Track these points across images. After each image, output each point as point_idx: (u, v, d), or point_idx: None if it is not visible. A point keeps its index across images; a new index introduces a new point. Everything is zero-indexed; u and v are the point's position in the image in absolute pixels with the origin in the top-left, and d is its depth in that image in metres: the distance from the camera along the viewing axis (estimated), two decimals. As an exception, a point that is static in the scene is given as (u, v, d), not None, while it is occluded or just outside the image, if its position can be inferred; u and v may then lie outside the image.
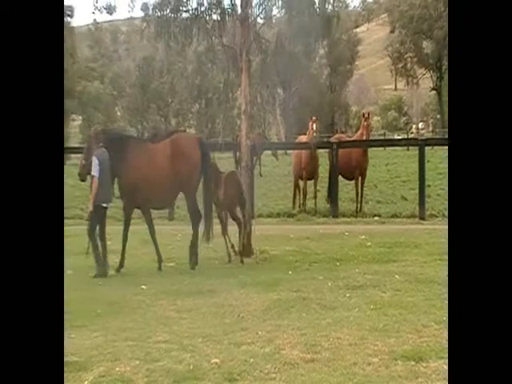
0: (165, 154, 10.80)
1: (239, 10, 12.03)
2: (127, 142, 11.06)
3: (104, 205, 10.45)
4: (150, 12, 12.82)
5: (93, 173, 10.28)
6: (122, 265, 10.69)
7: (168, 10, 12.10)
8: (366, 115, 18.51)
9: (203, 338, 6.52)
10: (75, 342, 6.47)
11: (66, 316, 7.42)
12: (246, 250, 11.69)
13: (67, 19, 74.48)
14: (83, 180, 11.01)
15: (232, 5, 12.10)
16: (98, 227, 10.46)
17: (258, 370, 5.57)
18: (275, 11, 12.90)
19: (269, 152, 28.58)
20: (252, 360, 5.80)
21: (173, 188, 10.87)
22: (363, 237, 13.36)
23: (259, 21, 12.95)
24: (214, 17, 12.32)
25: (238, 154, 17.71)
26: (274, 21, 13.60)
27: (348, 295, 8.33)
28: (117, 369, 5.64)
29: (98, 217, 10.39)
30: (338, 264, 10.66)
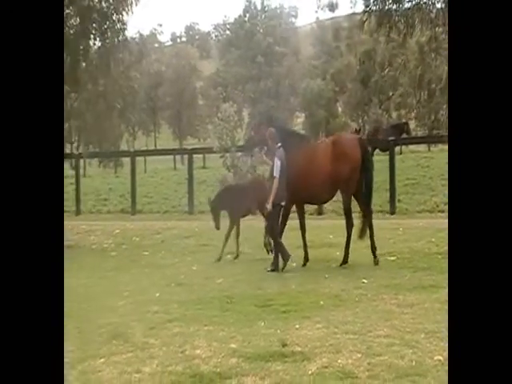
0: (326, 153, 10.94)
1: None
2: (296, 141, 11.35)
3: (282, 203, 10.75)
4: (371, 4, 12.78)
5: (275, 174, 10.63)
6: (307, 258, 11.08)
7: (390, 1, 11.98)
8: None
9: (426, 334, 6.35)
10: (299, 333, 6.64)
11: (290, 307, 7.79)
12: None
13: (291, 20, 76.96)
14: None
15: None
16: (276, 224, 10.83)
17: (484, 371, 5.30)
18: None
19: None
20: (478, 360, 5.54)
21: (331, 187, 10.95)
22: None
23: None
24: (438, 5, 11.98)
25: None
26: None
27: None
28: (339, 361, 5.66)
29: (276, 215, 10.74)
30: None
